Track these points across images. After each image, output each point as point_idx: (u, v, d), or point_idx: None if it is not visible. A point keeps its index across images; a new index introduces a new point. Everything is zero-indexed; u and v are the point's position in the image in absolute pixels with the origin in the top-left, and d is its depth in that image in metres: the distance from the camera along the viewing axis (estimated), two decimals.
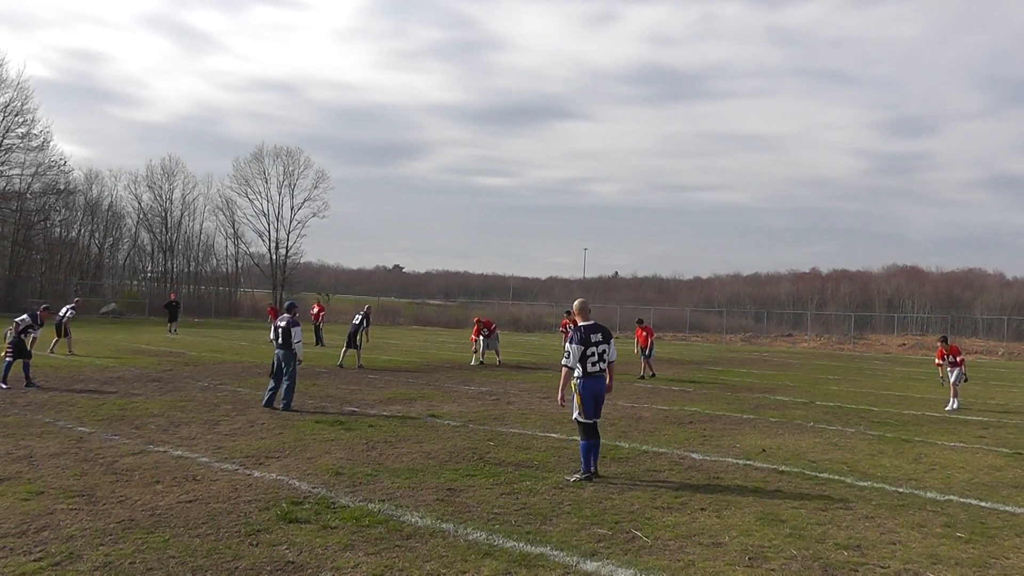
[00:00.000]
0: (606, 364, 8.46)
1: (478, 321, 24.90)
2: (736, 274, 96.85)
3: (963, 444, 11.63)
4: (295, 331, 13.12)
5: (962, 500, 7.97)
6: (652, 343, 24.16)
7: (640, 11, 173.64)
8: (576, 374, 8.34)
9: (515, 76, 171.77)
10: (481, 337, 24.33)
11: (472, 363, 24.20)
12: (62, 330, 22.45)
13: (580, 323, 8.52)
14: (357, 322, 21.55)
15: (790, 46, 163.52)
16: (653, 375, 21.57)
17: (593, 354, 8.32)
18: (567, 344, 8.37)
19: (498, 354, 24.65)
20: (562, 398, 8.59)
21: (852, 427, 12.93)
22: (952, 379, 16.48)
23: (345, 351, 21.57)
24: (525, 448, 10.09)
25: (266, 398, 13.04)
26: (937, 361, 17.18)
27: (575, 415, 8.41)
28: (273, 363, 13.37)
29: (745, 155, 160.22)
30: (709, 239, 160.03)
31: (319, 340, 29.80)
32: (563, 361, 8.37)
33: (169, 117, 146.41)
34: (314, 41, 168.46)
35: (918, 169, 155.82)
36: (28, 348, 15.38)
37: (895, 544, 6.35)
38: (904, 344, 48.86)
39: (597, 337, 8.41)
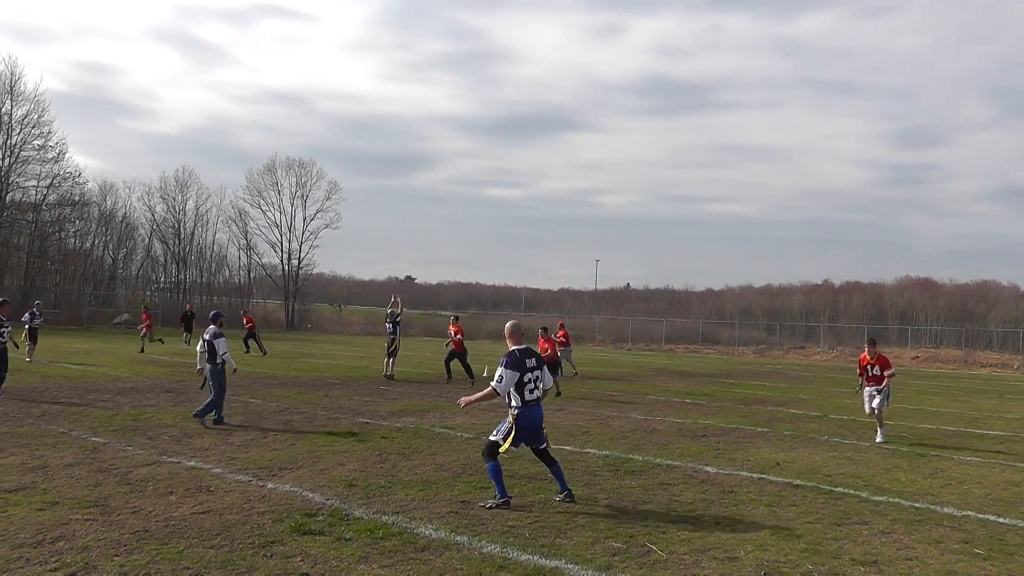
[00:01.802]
0: (542, 392, 7.91)
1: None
2: (748, 286, 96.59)
3: (979, 459, 11.54)
4: (219, 343, 12.30)
5: (980, 516, 7.90)
6: (561, 354, 24.62)
7: (647, 22, 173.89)
8: (514, 403, 7.72)
9: (522, 87, 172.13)
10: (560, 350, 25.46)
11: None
12: (34, 336, 22.85)
13: (512, 347, 7.88)
14: (390, 331, 22.20)
15: (798, 57, 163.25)
16: (558, 393, 18.30)
17: (530, 380, 7.74)
18: (500, 368, 7.72)
19: (573, 366, 26.01)
20: (468, 402, 8.11)
21: (866, 441, 12.84)
22: (875, 404, 13.25)
23: (385, 360, 22.36)
24: (538, 461, 10.03)
25: (213, 416, 12.20)
26: (859, 370, 13.93)
27: (495, 436, 7.79)
28: (206, 378, 12.56)
29: (753, 166, 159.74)
30: (719, 251, 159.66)
31: (261, 348, 29.57)
32: (493, 383, 7.76)
33: (180, 129, 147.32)
34: (322, 53, 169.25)
35: (928, 180, 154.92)
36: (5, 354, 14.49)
37: (912, 560, 6.29)
38: (918, 357, 48.58)
39: (531, 362, 7.83)
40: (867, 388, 13.54)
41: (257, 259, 70.19)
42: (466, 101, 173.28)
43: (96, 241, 63.14)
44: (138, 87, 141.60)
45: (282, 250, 69.04)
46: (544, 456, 8.00)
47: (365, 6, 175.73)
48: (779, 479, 9.39)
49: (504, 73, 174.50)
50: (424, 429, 12.40)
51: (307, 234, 69.11)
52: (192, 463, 9.11)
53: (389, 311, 22.60)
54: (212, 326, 12.55)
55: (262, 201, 68.23)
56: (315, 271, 74.99)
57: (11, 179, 52.49)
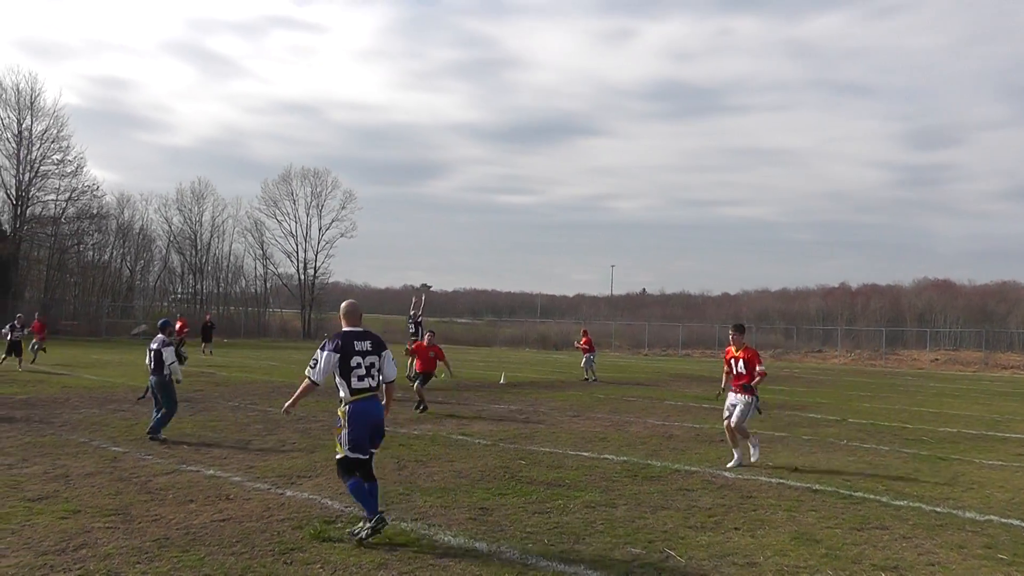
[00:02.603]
0: (377, 382, 6.71)
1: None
2: (764, 289, 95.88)
3: (1002, 462, 11.44)
4: (167, 352, 11.63)
5: (1003, 520, 7.83)
6: (585, 361, 25.95)
7: (657, 27, 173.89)
8: (342, 394, 6.58)
9: (534, 94, 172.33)
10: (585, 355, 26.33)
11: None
12: (20, 348, 23.19)
13: (345, 327, 6.78)
14: (412, 331, 22.25)
15: (808, 59, 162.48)
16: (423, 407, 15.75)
17: (359, 366, 6.54)
18: (316, 351, 6.69)
19: (593, 372, 26.16)
20: (291, 405, 7.01)
21: (886, 445, 12.76)
22: (737, 409, 10.48)
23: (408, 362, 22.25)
24: (556, 467, 10.05)
25: (149, 430, 11.51)
26: (724, 367, 11.08)
27: (339, 454, 6.63)
28: (148, 388, 12.07)
29: (767, 169, 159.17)
30: (734, 255, 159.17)
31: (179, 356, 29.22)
32: (307, 371, 6.66)
33: (195, 141, 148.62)
34: (334, 63, 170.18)
35: (943, 180, 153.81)
36: None
37: (934, 565, 6.25)
38: (937, 359, 48.22)
39: (364, 345, 6.62)
40: (731, 393, 10.76)
41: (273, 269, 70.71)
42: (478, 109, 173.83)
43: (114, 253, 63.81)
44: (153, 100, 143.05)
45: (298, 259, 69.54)
46: (367, 466, 6.67)
47: (375, 16, 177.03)
48: (798, 484, 9.34)
49: (515, 80, 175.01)
50: (442, 436, 12.41)
51: (323, 243, 69.60)
52: (211, 471, 9.17)
53: (411, 312, 22.71)
54: (160, 335, 11.91)
55: (277, 211, 68.81)
56: (331, 280, 75.42)
57: (31, 193, 53.10)
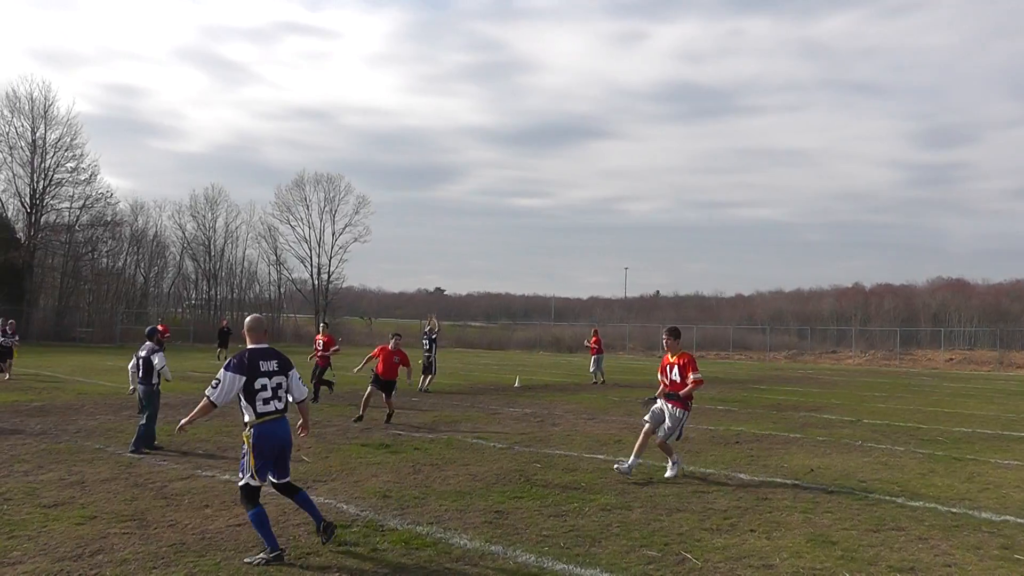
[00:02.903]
0: (285, 404, 6.41)
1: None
2: (778, 291, 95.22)
3: (1018, 462, 11.36)
4: (156, 358, 11.41)
5: (1019, 521, 7.77)
6: (593, 362, 26.03)
7: (668, 29, 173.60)
8: (247, 418, 6.24)
9: (546, 97, 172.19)
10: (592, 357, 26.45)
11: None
12: (11, 354, 23.08)
13: (249, 345, 6.45)
14: (426, 347, 22.18)
15: (820, 59, 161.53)
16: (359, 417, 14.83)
17: (264, 388, 6.23)
18: (222, 370, 6.26)
19: (602, 374, 26.28)
20: (188, 422, 6.33)
21: (901, 446, 12.69)
22: (665, 425, 9.56)
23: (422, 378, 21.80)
24: (571, 470, 10.05)
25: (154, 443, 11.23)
26: (659, 375, 10.09)
27: (242, 476, 6.23)
28: (140, 400, 11.73)
29: (779, 170, 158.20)
30: (748, 256, 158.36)
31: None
32: (207, 391, 6.19)
33: (208, 147, 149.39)
34: (346, 68, 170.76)
35: (957, 179, 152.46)
36: None
37: (951, 567, 6.21)
38: (952, 359, 47.96)
39: (270, 365, 6.35)
40: (659, 400, 9.80)
41: (287, 274, 70.92)
42: (490, 112, 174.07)
43: (128, 260, 64.21)
44: (166, 107, 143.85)
45: (312, 265, 69.70)
46: (286, 489, 6.45)
47: (387, 21, 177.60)
48: (813, 485, 9.31)
49: (527, 83, 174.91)
50: (457, 440, 12.43)
51: (336, 248, 69.74)
52: (226, 476, 9.20)
53: (426, 329, 22.76)
54: (148, 342, 11.61)
55: (291, 216, 68.97)
56: (345, 285, 75.60)
57: (45, 201, 53.50)
